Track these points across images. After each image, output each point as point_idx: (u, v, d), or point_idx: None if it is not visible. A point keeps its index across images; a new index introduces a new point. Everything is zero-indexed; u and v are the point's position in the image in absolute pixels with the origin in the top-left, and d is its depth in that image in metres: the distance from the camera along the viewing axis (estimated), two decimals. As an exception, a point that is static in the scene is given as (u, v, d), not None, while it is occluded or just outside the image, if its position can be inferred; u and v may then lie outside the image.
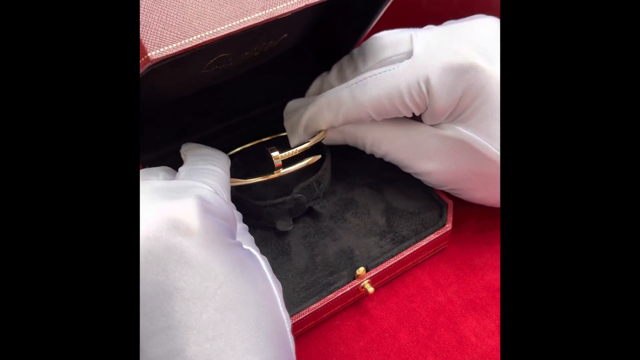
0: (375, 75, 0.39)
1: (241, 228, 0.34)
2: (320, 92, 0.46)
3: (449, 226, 0.45)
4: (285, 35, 0.46)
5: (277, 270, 0.43)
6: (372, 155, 0.51)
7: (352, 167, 0.51)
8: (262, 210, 0.44)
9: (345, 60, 0.45)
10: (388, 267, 0.43)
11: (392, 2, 0.43)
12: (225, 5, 0.30)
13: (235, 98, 0.51)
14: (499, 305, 0.44)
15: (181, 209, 0.26)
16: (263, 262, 0.30)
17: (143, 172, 0.33)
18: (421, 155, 0.43)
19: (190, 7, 0.29)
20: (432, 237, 0.45)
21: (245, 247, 0.30)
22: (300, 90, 0.54)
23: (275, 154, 0.40)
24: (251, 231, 0.42)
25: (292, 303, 0.41)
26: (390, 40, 0.41)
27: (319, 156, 0.40)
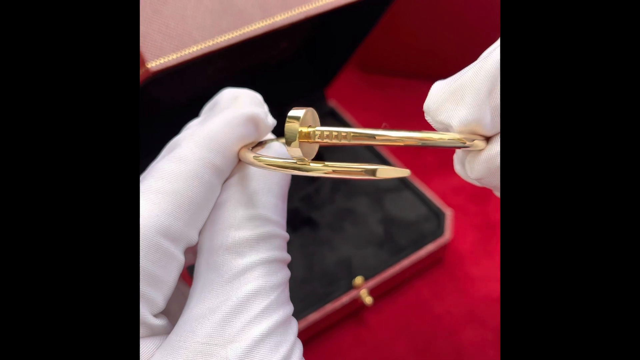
0: None
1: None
2: None
3: (447, 236, 0.45)
4: (285, 44, 0.46)
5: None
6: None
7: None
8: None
9: None
10: (386, 277, 0.43)
11: (390, 12, 0.44)
12: (225, 16, 0.30)
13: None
14: (497, 317, 0.44)
15: None
16: None
17: None
18: None
19: (190, 18, 0.29)
20: (430, 247, 0.45)
21: None
22: (299, 97, 0.54)
23: (297, 114, 0.16)
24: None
25: (289, 313, 0.40)
26: None
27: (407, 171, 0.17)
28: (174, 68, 0.29)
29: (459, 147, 0.16)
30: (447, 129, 0.17)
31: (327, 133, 0.16)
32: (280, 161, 0.17)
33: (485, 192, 0.52)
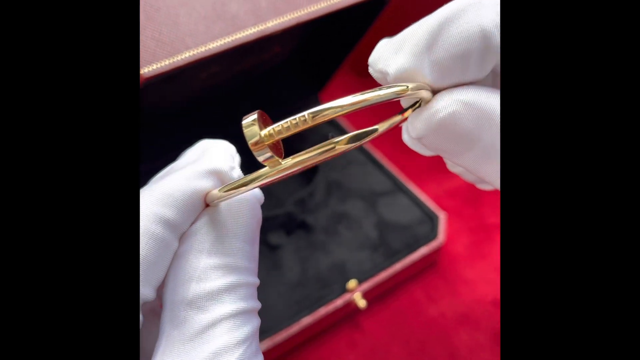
0: None
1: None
2: None
3: (441, 239, 0.45)
4: (278, 48, 0.47)
5: (269, 284, 0.43)
6: (365, 168, 0.52)
7: (345, 179, 0.51)
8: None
9: None
10: (380, 281, 0.43)
11: (383, 15, 0.44)
12: (218, 22, 0.30)
13: (228, 109, 0.51)
14: (491, 319, 0.44)
15: None
16: None
17: None
18: None
19: (182, 25, 0.29)
20: (423, 250, 0.45)
21: None
22: (293, 101, 0.54)
23: (249, 124, 0.16)
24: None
25: (283, 317, 0.41)
26: None
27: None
28: (167, 74, 0.29)
29: (399, 97, 0.16)
30: (385, 77, 0.17)
31: (287, 125, 0.15)
32: (248, 177, 0.17)
33: (479, 195, 0.52)
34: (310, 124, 0.15)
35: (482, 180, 0.23)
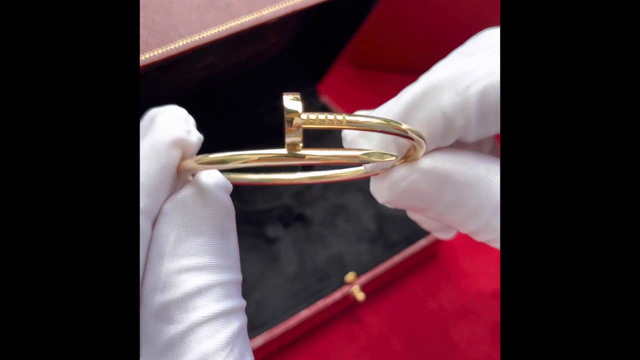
0: None
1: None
2: None
3: (440, 231, 0.45)
4: (275, 38, 0.46)
5: (267, 277, 0.43)
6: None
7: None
8: (251, 217, 0.44)
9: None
10: (378, 273, 0.43)
11: (381, 4, 0.43)
12: (211, 10, 0.29)
13: (224, 102, 0.51)
14: (490, 311, 0.44)
15: None
16: None
17: None
18: None
19: (176, 13, 0.29)
20: (423, 242, 0.44)
21: None
22: (291, 92, 0.54)
23: (293, 104, 0.15)
24: (240, 237, 0.41)
25: (281, 310, 0.40)
26: None
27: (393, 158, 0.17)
28: (161, 63, 0.29)
29: (401, 134, 0.16)
30: None
31: (323, 118, 0.15)
32: (263, 153, 0.15)
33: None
34: (343, 126, 0.15)
35: (447, 227, 0.25)
